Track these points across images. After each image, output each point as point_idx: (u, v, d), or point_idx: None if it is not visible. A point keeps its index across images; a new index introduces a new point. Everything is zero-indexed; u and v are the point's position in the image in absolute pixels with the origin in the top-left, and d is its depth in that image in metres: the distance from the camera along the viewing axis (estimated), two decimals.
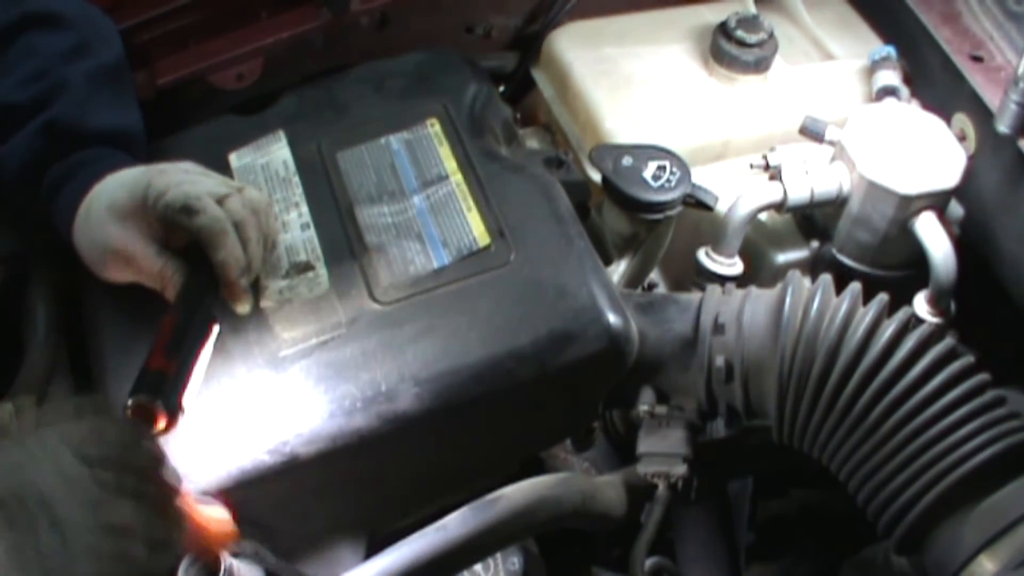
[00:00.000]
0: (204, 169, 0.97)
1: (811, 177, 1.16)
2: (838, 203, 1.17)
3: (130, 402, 0.81)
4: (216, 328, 0.90)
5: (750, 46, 1.29)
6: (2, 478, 0.64)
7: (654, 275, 1.28)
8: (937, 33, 1.27)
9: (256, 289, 0.97)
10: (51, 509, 0.64)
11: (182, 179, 0.93)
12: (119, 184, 0.94)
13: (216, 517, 0.81)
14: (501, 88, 1.40)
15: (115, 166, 0.96)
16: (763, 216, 1.22)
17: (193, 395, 0.85)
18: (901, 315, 0.93)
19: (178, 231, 0.92)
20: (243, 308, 0.94)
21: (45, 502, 0.64)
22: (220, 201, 0.92)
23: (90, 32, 1.04)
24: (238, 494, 0.87)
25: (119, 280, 0.96)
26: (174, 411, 0.82)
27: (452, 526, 0.89)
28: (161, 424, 0.81)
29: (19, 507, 0.63)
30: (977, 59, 1.23)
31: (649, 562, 1.02)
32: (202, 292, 0.91)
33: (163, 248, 0.93)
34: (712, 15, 1.37)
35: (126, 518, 0.68)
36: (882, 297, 0.95)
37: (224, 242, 0.90)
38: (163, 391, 0.82)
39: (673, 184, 1.11)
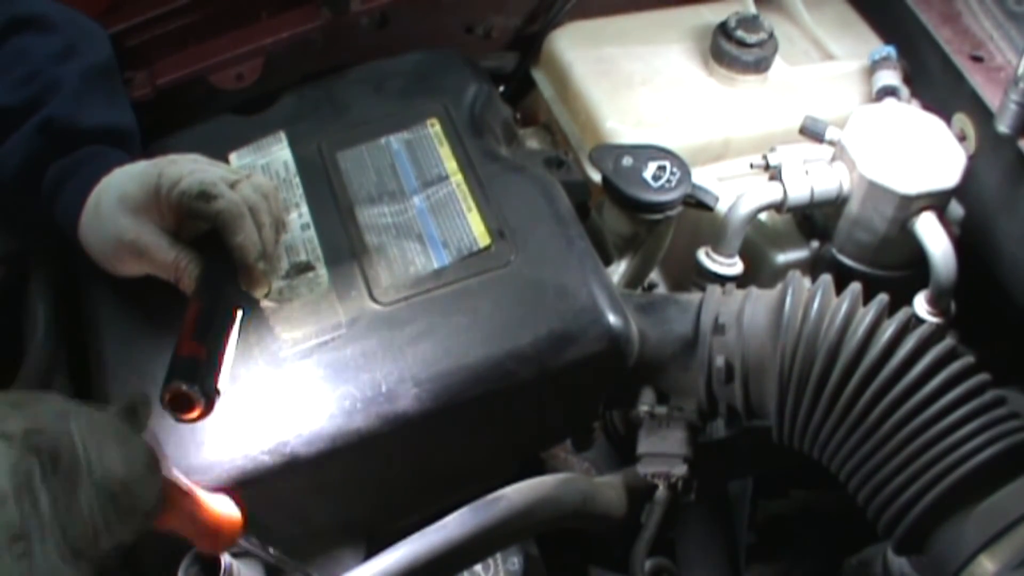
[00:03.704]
0: (211, 160, 0.98)
1: (811, 177, 1.16)
2: (838, 203, 1.17)
3: (167, 390, 0.81)
4: (240, 314, 0.91)
5: (750, 46, 1.29)
6: (48, 426, 0.67)
7: (654, 275, 1.28)
8: (937, 33, 1.27)
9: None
10: (72, 480, 0.68)
11: (193, 168, 0.93)
12: (129, 176, 0.94)
13: (225, 509, 0.81)
14: (501, 88, 1.40)
15: (117, 162, 0.96)
16: (763, 216, 1.22)
17: (226, 379, 0.86)
18: (901, 315, 0.93)
19: (189, 222, 0.93)
20: (261, 292, 0.95)
21: (70, 472, 0.67)
22: (231, 187, 0.92)
23: (78, 34, 1.05)
24: (238, 494, 0.86)
25: (130, 273, 0.96)
26: (211, 395, 0.83)
27: (452, 526, 0.89)
28: (199, 409, 0.82)
29: (51, 458, 0.67)
30: (977, 59, 1.23)
31: (649, 562, 1.02)
32: (222, 279, 0.91)
33: (176, 239, 0.93)
34: (712, 15, 1.37)
35: (116, 535, 0.70)
36: (882, 297, 0.95)
37: (243, 225, 0.90)
38: (198, 376, 0.82)
39: (673, 184, 1.11)
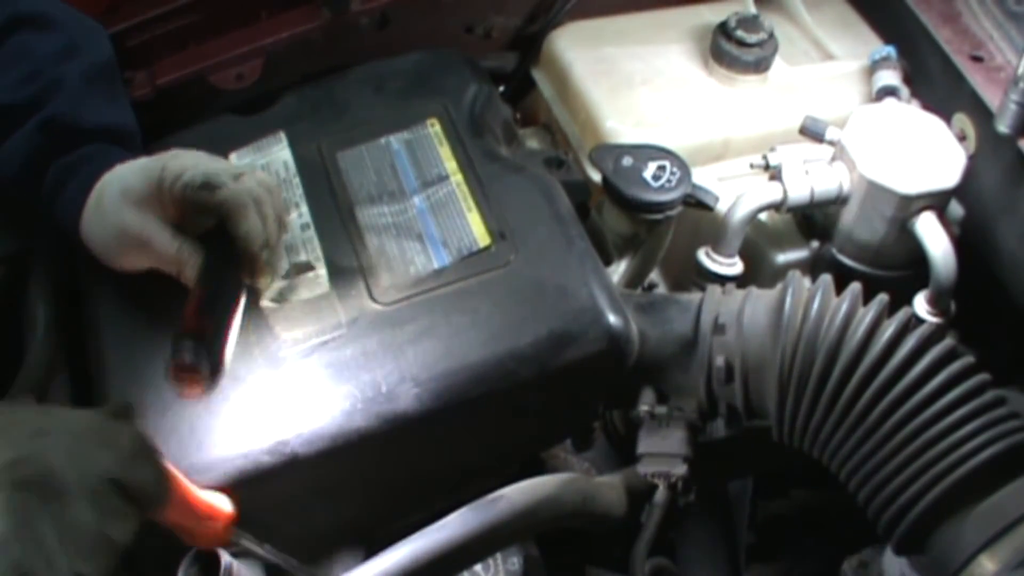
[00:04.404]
0: (213, 155, 0.98)
1: (811, 177, 1.16)
2: (838, 203, 1.17)
3: (171, 362, 0.81)
4: (244, 297, 0.91)
5: (750, 46, 1.29)
6: (28, 452, 0.66)
7: (654, 275, 1.27)
8: (937, 33, 1.27)
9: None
10: (64, 500, 0.66)
11: (197, 160, 0.94)
12: (131, 171, 0.95)
13: (218, 507, 0.81)
14: (501, 88, 1.40)
15: (119, 160, 0.97)
16: (763, 216, 1.22)
17: (229, 357, 0.86)
18: (901, 315, 0.93)
19: (192, 216, 0.93)
20: (264, 284, 0.95)
21: (60, 492, 0.66)
22: (235, 179, 0.93)
23: (79, 33, 1.05)
24: (237, 494, 0.86)
25: (133, 267, 0.96)
26: (216, 368, 0.83)
27: (452, 526, 0.89)
28: (203, 383, 0.82)
29: (39, 486, 0.65)
30: (977, 59, 1.23)
31: (649, 562, 1.02)
32: (224, 268, 0.91)
33: (179, 232, 0.93)
34: (712, 15, 1.37)
35: (123, 533, 0.69)
36: (882, 297, 0.95)
37: (247, 214, 0.91)
38: (202, 349, 0.83)
39: (673, 184, 1.11)
